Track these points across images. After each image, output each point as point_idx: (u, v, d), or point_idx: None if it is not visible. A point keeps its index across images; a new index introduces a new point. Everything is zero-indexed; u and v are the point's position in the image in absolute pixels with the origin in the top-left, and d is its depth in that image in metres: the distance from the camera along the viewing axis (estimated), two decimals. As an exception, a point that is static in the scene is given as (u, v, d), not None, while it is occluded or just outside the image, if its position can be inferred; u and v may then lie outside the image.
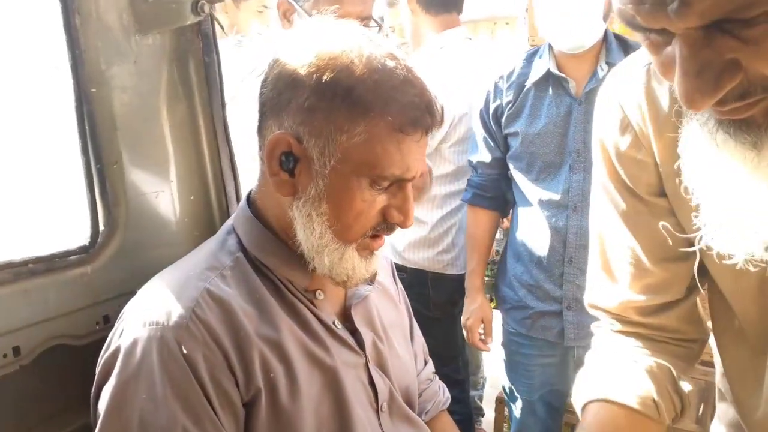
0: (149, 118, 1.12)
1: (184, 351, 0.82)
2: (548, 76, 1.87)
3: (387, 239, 0.97)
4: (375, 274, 1.08)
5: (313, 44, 0.88)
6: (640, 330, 0.98)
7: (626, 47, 1.84)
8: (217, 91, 1.18)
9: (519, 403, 2.11)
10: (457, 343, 2.57)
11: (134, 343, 0.83)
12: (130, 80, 1.07)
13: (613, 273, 0.98)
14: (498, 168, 2.02)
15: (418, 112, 0.86)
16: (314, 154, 0.87)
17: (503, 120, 1.94)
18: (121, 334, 0.86)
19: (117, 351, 0.84)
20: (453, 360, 2.61)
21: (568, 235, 1.86)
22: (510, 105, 1.92)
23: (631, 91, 0.87)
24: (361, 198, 0.88)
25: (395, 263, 2.41)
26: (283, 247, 0.95)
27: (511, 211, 2.14)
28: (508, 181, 2.04)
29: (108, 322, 1.08)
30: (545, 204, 1.89)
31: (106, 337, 0.91)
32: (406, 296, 1.26)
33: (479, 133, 2.02)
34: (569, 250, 1.87)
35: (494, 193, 2.07)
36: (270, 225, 0.97)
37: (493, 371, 3.53)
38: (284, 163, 0.89)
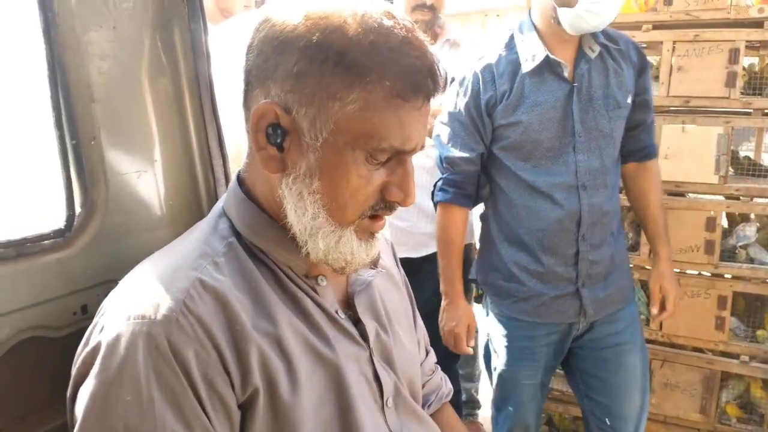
0: (130, 90, 1.03)
1: (174, 348, 0.74)
2: (545, 61, 1.84)
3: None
4: (378, 258, 1.00)
5: (302, 3, 0.80)
6: None
7: None
8: (204, 62, 1.10)
9: (522, 391, 2.06)
10: None
11: (117, 339, 0.75)
12: (109, 47, 0.98)
13: None
14: (478, 164, 1.96)
15: (419, 76, 0.78)
16: (304, 126, 0.79)
17: (497, 111, 1.88)
18: (102, 329, 0.78)
19: (97, 348, 0.76)
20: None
21: (582, 214, 1.87)
22: (506, 95, 1.86)
23: None
24: (357, 173, 0.81)
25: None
26: (279, 230, 0.87)
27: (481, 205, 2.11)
28: (483, 176, 2.01)
29: (86, 312, 0.99)
30: (556, 188, 1.87)
31: (85, 328, 0.82)
32: (408, 282, 1.19)
33: (460, 128, 1.94)
34: (582, 228, 1.88)
35: (472, 191, 2.00)
36: (261, 206, 0.89)
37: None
38: (271, 136, 0.81)
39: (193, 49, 1.09)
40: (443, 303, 2.04)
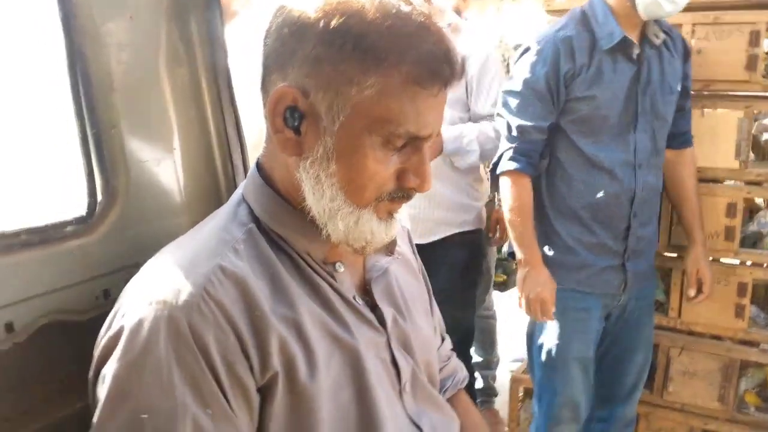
0: (149, 79, 1.05)
1: (195, 332, 0.75)
2: (621, 42, 1.92)
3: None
4: (395, 243, 1.01)
5: None
6: None
7: None
8: (220, 50, 1.11)
9: (572, 365, 2.10)
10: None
11: (139, 324, 0.76)
12: (127, 37, 1.00)
13: None
14: (546, 134, 2.01)
15: (436, 63, 0.78)
16: (321, 110, 0.80)
17: (575, 83, 1.93)
18: (124, 314, 0.79)
19: (120, 332, 0.78)
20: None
21: (636, 191, 2.00)
22: (585, 68, 1.93)
23: None
24: (374, 157, 0.81)
25: (472, 229, 2.56)
26: (298, 216, 0.88)
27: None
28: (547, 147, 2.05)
29: (108, 296, 1.01)
30: (617, 164, 1.98)
31: (107, 312, 0.84)
32: (424, 268, 1.20)
33: (534, 97, 1.97)
34: (635, 204, 2.01)
35: (537, 161, 2.05)
36: (279, 191, 0.90)
37: (506, 351, 3.48)
38: (288, 119, 0.82)
39: (210, 38, 1.11)
40: (522, 271, 2.04)
